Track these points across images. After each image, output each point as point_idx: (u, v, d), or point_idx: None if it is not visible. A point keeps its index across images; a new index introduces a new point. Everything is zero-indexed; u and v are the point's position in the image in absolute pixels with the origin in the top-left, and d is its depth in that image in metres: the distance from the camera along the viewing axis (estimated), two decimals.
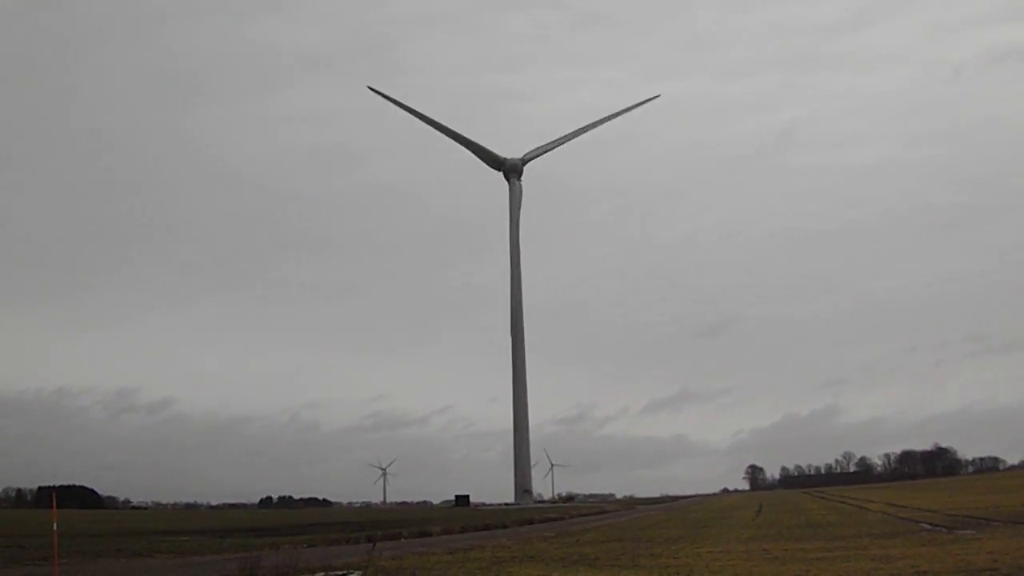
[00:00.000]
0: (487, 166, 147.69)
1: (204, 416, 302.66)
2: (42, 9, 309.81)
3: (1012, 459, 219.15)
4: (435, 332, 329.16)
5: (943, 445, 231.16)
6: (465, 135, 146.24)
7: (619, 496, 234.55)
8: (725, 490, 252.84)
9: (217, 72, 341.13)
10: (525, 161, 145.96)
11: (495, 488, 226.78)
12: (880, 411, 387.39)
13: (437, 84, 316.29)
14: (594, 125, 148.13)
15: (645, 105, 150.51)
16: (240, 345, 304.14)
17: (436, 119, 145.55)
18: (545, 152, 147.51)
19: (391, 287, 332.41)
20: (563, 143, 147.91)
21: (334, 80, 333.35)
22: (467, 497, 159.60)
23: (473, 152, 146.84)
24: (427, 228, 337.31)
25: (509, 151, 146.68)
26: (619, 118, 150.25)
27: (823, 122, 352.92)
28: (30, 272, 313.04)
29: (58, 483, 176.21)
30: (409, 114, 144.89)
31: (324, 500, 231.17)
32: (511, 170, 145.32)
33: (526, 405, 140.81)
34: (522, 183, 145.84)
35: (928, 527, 36.77)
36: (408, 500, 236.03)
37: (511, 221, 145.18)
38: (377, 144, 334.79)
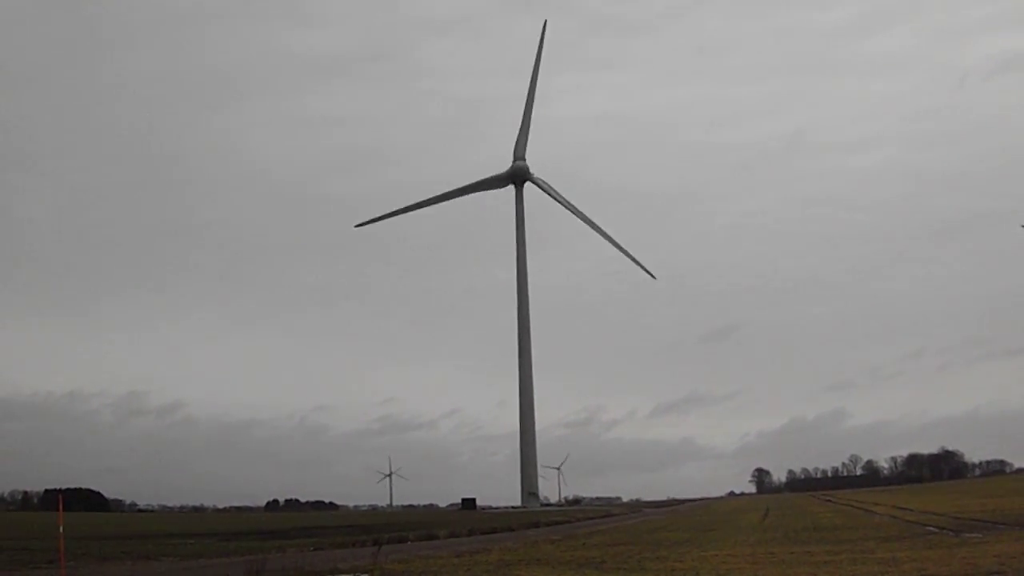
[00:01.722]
0: (495, 167, 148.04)
1: (213, 419, 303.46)
2: (58, 11, 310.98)
3: (1019, 462, 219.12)
4: (444, 335, 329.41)
5: (949, 448, 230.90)
6: (463, 185, 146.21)
7: (626, 499, 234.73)
8: (732, 493, 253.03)
9: (226, 76, 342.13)
10: (521, 157, 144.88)
11: (502, 491, 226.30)
12: (886, 414, 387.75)
13: (447, 88, 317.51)
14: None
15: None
16: (250, 348, 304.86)
17: (427, 198, 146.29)
18: (526, 135, 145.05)
19: (399, 290, 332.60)
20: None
21: (345, 84, 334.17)
22: (473, 500, 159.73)
23: (481, 190, 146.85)
24: (435, 231, 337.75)
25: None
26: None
27: (830, 127, 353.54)
28: (41, 276, 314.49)
29: (66, 486, 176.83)
30: (405, 212, 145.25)
31: (330, 503, 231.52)
32: (519, 175, 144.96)
33: (532, 408, 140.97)
34: (536, 177, 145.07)
35: (934, 530, 36.69)
36: (414, 503, 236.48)
37: (515, 224, 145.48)
38: (386, 147, 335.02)
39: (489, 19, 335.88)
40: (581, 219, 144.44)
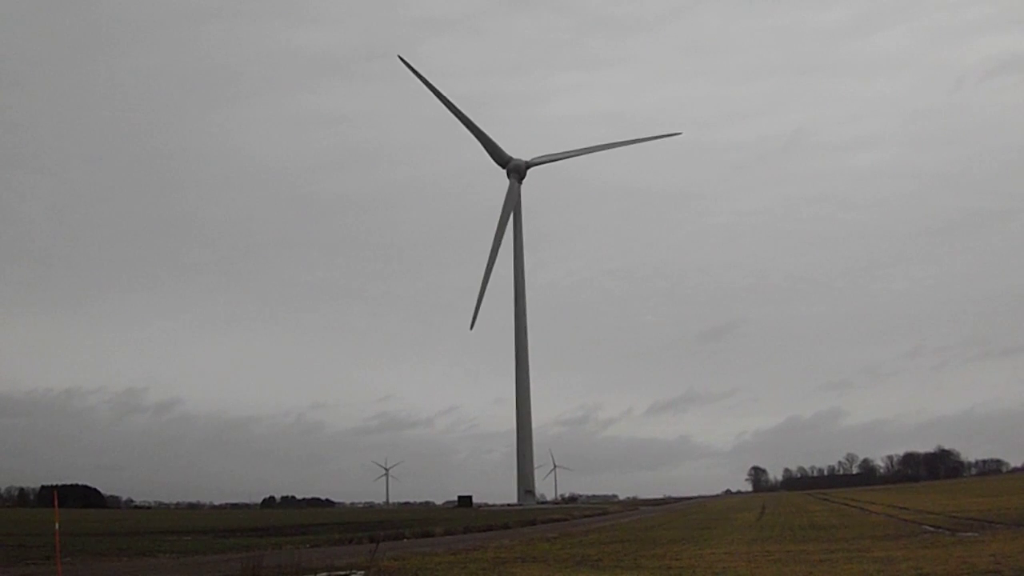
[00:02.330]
0: (492, 161, 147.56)
1: (210, 416, 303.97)
2: (58, 10, 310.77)
3: (1015, 462, 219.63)
4: (441, 333, 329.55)
5: (946, 447, 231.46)
6: (479, 127, 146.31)
7: (622, 497, 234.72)
8: (728, 492, 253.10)
9: (226, 75, 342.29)
10: (529, 165, 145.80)
11: (498, 489, 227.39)
12: (883, 413, 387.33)
13: (446, 87, 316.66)
14: (606, 147, 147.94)
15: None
16: (247, 346, 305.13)
17: (455, 106, 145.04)
18: (551, 161, 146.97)
19: (397, 288, 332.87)
20: (569, 157, 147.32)
21: (344, 82, 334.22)
22: (470, 498, 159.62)
23: (482, 144, 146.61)
24: (433, 229, 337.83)
25: (515, 154, 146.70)
26: (634, 142, 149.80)
27: (827, 126, 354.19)
28: (40, 273, 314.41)
29: (63, 482, 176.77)
30: (431, 92, 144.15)
31: (327, 500, 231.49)
32: (514, 170, 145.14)
33: (529, 406, 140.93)
34: (522, 187, 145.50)
35: (931, 529, 36.73)
36: (411, 500, 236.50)
37: (511, 220, 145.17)
38: (384, 146, 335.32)
39: (488, 18, 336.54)
40: (492, 250, 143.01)
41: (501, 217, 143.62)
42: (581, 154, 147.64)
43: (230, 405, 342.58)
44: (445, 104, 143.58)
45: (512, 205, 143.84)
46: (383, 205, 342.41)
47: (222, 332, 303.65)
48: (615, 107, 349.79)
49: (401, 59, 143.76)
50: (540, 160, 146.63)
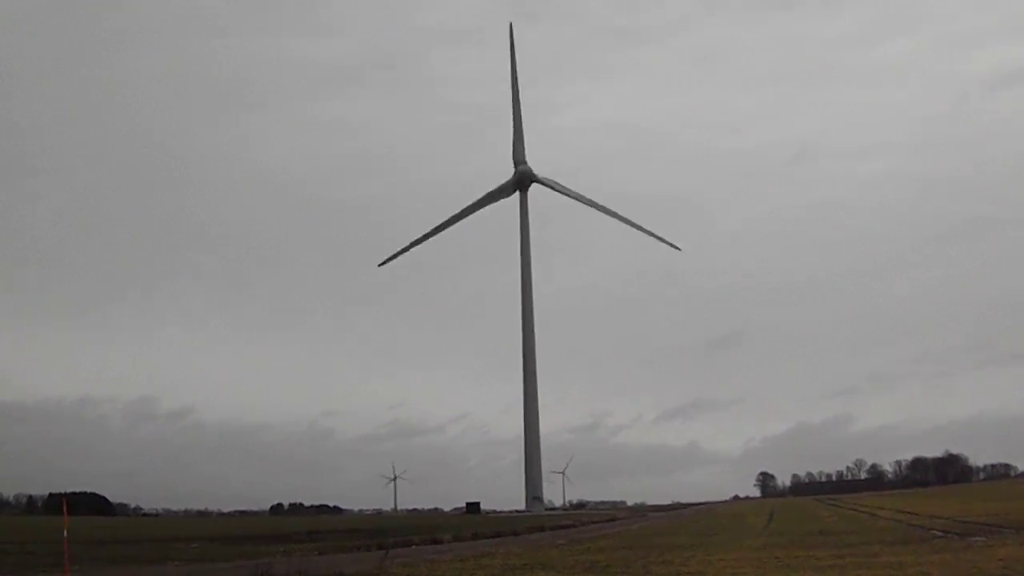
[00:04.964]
0: (503, 167, 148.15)
1: (223, 424, 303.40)
2: (74, 18, 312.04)
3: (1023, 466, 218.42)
4: (452, 340, 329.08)
5: (954, 452, 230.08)
6: (471, 203, 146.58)
7: (630, 503, 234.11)
8: (736, 497, 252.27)
9: (239, 83, 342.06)
10: (522, 161, 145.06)
11: (507, 495, 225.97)
12: (891, 418, 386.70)
13: (456, 96, 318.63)
14: (615, 216, 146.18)
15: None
16: (260, 353, 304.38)
17: (439, 222, 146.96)
18: (521, 139, 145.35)
19: (408, 295, 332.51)
20: (572, 196, 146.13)
21: (356, 92, 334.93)
22: (478, 504, 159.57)
23: (490, 202, 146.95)
24: (443, 235, 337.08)
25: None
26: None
27: (833, 135, 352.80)
28: (54, 281, 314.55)
29: (73, 490, 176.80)
30: (422, 241, 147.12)
31: (335, 507, 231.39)
32: (523, 179, 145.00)
33: (537, 412, 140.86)
34: (541, 177, 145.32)
35: (939, 534, 36.63)
36: (419, 507, 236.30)
37: (520, 229, 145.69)
38: (395, 154, 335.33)
39: (496, 30, 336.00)
40: (594, 207, 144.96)
41: (577, 195, 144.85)
42: (585, 201, 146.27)
43: (243, 413, 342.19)
44: (436, 232, 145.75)
45: (561, 185, 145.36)
46: (392, 211, 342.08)
47: (234, 340, 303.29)
48: (622, 116, 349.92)
49: (380, 265, 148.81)
50: (547, 182, 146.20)
